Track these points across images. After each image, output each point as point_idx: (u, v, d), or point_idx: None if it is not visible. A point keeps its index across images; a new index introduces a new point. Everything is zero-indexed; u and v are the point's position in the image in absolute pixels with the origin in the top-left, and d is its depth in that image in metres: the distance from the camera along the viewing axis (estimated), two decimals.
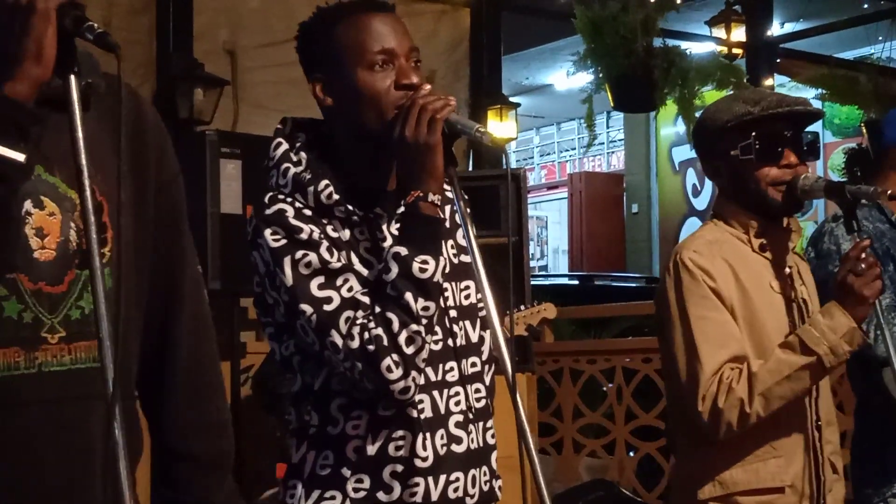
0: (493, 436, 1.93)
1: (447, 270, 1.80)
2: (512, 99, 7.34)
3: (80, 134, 1.29)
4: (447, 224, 1.81)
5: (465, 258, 1.87)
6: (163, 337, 1.62)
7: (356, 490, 1.81)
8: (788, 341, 2.24)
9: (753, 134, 2.32)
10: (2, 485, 1.41)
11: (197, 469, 1.65)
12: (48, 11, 1.30)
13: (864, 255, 2.22)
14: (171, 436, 1.61)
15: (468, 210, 1.86)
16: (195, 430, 1.65)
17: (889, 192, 2.75)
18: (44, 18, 1.30)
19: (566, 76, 8.87)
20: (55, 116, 1.36)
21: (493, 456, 1.92)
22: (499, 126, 6.65)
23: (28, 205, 1.42)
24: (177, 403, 1.63)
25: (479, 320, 1.89)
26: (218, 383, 1.74)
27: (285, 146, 1.88)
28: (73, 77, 1.32)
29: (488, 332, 1.86)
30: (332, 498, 1.82)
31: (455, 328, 1.88)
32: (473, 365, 1.90)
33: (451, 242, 1.86)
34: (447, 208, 1.85)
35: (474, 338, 1.90)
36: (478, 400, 1.90)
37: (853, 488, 2.85)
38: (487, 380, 1.93)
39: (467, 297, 1.89)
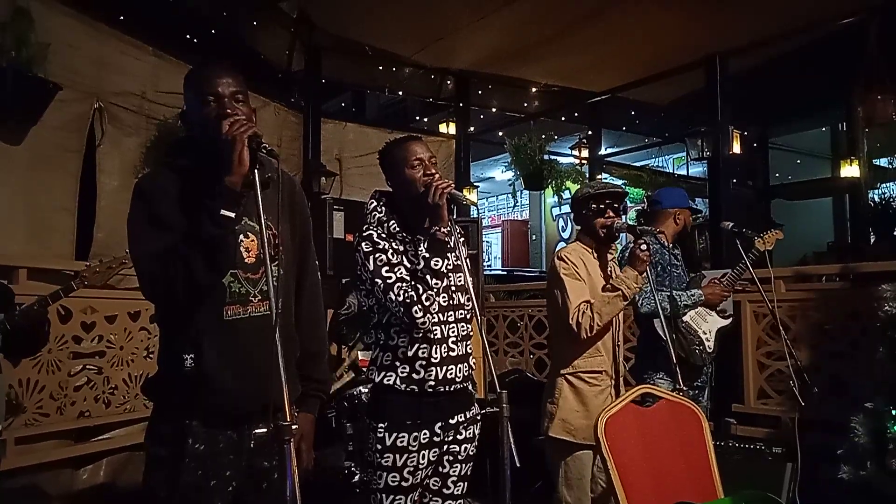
0: (469, 349, 1.88)
1: (450, 266, 1.79)
2: (475, 182, 7.35)
3: (260, 200, 1.30)
4: (451, 244, 1.77)
5: (458, 261, 1.83)
6: (299, 293, 1.59)
7: (402, 372, 1.78)
8: (606, 286, 2.27)
9: (594, 202, 2.35)
10: (234, 368, 1.41)
11: (311, 357, 1.61)
12: (243, 139, 1.33)
13: (641, 244, 2.25)
14: (302, 340, 1.58)
15: (460, 235, 1.85)
16: (311, 338, 1.62)
17: (659, 230, 2.81)
18: (241, 142, 1.33)
19: (501, 172, 9.02)
20: (251, 192, 1.34)
21: (471, 359, 1.88)
22: (469, 195, 6.63)
23: (241, 236, 1.44)
24: (303, 324, 1.59)
25: (467, 292, 1.83)
26: (321, 314, 1.69)
27: (375, 203, 1.87)
28: (256, 172, 1.32)
29: (472, 298, 1.77)
30: (390, 376, 1.79)
31: (454, 296, 1.85)
32: (461, 314, 1.87)
33: (455, 253, 1.80)
34: (453, 235, 1.78)
35: (463, 301, 1.87)
36: (463, 330, 1.86)
37: (637, 376, 2.87)
38: (468, 320, 1.88)
39: (460, 280, 1.86)
